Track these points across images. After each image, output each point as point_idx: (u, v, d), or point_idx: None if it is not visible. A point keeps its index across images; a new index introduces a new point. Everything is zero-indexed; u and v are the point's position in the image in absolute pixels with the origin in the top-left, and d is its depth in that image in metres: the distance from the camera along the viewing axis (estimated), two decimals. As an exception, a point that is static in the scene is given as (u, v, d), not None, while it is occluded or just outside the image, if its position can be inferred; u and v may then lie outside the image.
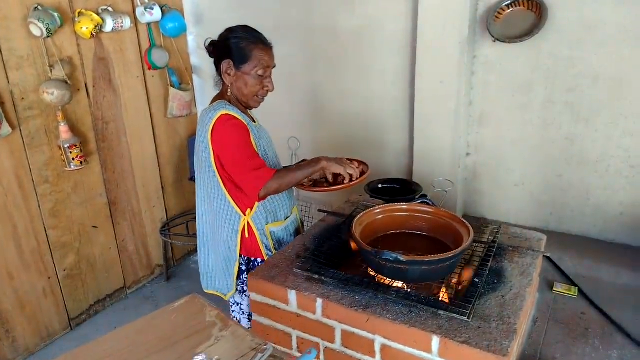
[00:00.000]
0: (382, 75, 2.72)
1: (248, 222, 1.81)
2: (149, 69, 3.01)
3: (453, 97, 2.42)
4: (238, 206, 1.79)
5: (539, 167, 2.45)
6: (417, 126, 2.59)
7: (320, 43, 2.86)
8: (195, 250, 3.50)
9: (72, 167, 2.60)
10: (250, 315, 1.93)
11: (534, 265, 1.68)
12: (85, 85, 2.70)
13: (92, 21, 2.53)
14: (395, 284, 1.58)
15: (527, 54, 2.32)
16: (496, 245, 1.76)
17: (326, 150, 3.01)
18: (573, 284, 2.04)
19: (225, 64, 1.73)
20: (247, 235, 1.83)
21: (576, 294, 1.97)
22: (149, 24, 2.96)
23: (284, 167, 2.00)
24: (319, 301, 1.51)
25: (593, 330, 1.77)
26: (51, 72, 2.47)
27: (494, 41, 2.30)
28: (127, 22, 2.73)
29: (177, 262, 3.49)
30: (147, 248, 3.24)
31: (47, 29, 2.33)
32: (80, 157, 2.61)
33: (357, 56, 2.76)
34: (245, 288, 1.89)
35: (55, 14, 2.39)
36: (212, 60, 1.81)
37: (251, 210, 1.80)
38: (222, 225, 1.82)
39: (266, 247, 1.86)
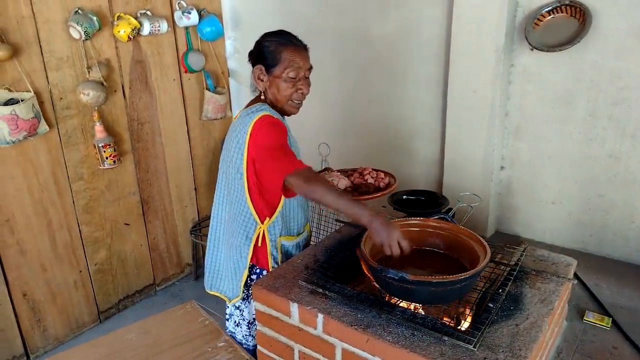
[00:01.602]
0: (414, 83, 2.63)
1: (264, 231, 1.78)
2: (185, 72, 3.07)
3: (487, 107, 2.31)
4: (257, 213, 1.76)
5: (578, 185, 2.29)
6: (449, 136, 2.49)
7: (353, 48, 2.81)
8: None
9: (106, 165, 2.69)
10: (249, 322, 1.91)
11: (557, 292, 1.55)
12: (122, 86, 2.78)
13: (129, 25, 2.61)
14: (402, 304, 1.50)
15: (568, 64, 2.17)
16: (518, 268, 1.64)
17: (355, 157, 2.95)
18: (607, 313, 1.88)
19: (257, 70, 1.70)
20: (259, 245, 1.80)
21: (609, 326, 1.81)
22: (186, 28, 3.02)
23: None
24: (320, 316, 1.46)
25: (624, 367, 1.62)
26: (89, 73, 2.56)
27: (532, 50, 2.17)
28: (164, 26, 2.80)
29: (207, 262, 3.53)
30: (177, 247, 3.31)
31: (85, 32, 2.42)
32: (114, 156, 2.70)
33: (390, 62, 2.69)
34: (249, 294, 1.87)
35: (94, 18, 2.48)
36: (248, 65, 1.77)
37: (269, 218, 1.77)
38: (238, 230, 1.79)
39: (274, 259, 1.83)
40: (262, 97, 1.75)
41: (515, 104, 2.36)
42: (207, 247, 1.94)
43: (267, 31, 1.74)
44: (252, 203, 1.74)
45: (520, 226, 2.52)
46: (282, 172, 1.55)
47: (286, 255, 1.87)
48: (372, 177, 2.16)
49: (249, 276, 1.84)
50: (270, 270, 1.81)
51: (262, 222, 1.77)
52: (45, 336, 2.68)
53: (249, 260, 1.80)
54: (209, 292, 1.96)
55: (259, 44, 1.71)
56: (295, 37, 1.72)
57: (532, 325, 1.39)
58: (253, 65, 1.73)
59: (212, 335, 1.20)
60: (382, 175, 2.15)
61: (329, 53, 2.91)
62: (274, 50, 1.66)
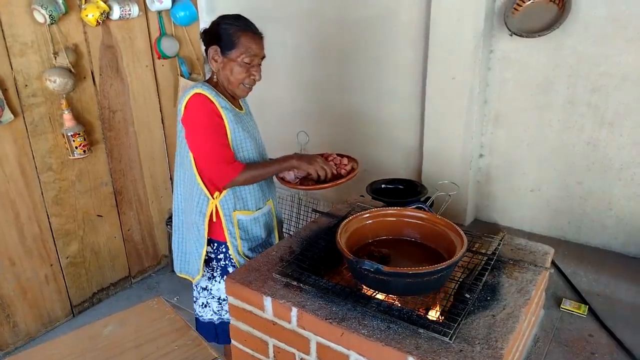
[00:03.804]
0: (393, 69, 2.58)
1: (216, 206, 1.78)
2: (159, 57, 2.97)
3: (465, 94, 2.27)
4: (207, 188, 1.78)
5: (557, 173, 2.28)
6: (428, 124, 2.45)
7: (331, 33, 2.74)
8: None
9: (76, 155, 2.59)
10: (220, 299, 1.91)
11: (534, 282, 1.53)
12: (92, 73, 2.67)
13: (98, 8, 2.50)
14: (378, 296, 1.47)
15: (547, 50, 2.14)
16: (495, 257, 1.62)
17: (334, 145, 2.90)
18: (583, 301, 1.88)
19: (212, 50, 1.72)
20: (214, 219, 1.80)
21: (585, 313, 1.81)
22: (159, 12, 2.91)
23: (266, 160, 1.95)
24: (294, 310, 1.42)
25: (600, 355, 1.62)
26: (55, 59, 2.45)
27: (511, 35, 2.14)
28: (135, 10, 2.69)
29: (184, 253, 3.47)
30: (153, 238, 3.23)
31: (50, 16, 2.31)
32: (84, 146, 2.60)
33: (368, 48, 2.63)
34: (214, 274, 1.89)
35: (60, 1, 2.36)
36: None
37: (220, 193, 1.78)
38: (193, 207, 1.81)
39: (231, 234, 1.82)
40: (215, 78, 1.76)
41: (494, 91, 2.33)
42: (173, 231, 1.95)
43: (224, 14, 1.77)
44: (201, 178, 1.76)
45: (499, 214, 2.51)
46: (219, 183, 1.72)
47: (245, 230, 1.85)
48: (334, 164, 2.08)
49: (209, 252, 1.85)
50: (228, 243, 1.82)
51: (213, 197, 1.78)
52: (15, 332, 2.59)
53: (206, 236, 1.81)
54: (179, 274, 1.97)
55: (217, 25, 1.72)
56: (253, 24, 1.75)
57: (508, 316, 1.38)
58: (206, 45, 1.75)
59: (179, 332, 1.15)
60: (346, 161, 2.05)
61: (306, 37, 2.84)
62: (232, 34, 1.69)
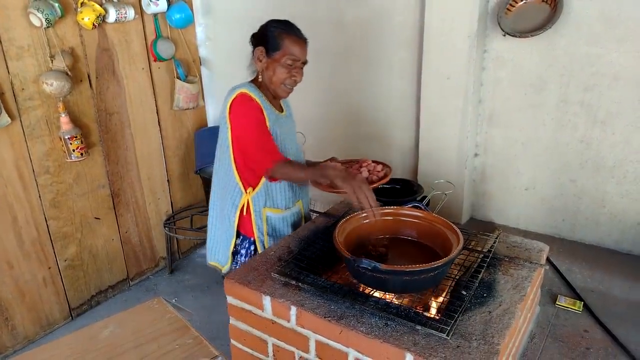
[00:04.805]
0: (389, 70, 2.60)
1: (248, 200, 1.84)
2: (155, 60, 2.98)
3: (460, 94, 2.30)
4: (242, 182, 1.83)
5: (551, 171, 2.30)
6: (423, 124, 2.48)
7: (327, 35, 2.76)
8: (202, 244, 3.49)
9: (73, 158, 2.60)
10: None
11: (529, 278, 1.55)
12: (88, 76, 2.68)
13: (94, 12, 2.51)
14: (376, 293, 1.49)
15: (541, 50, 2.17)
16: (491, 255, 1.64)
17: (331, 146, 2.92)
18: (579, 297, 1.90)
19: (258, 51, 1.80)
20: (245, 213, 1.86)
21: (581, 309, 1.83)
22: (154, 15, 2.93)
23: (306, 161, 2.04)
24: (293, 309, 1.44)
25: (595, 350, 1.64)
26: (52, 62, 2.46)
27: (504, 35, 2.16)
28: (130, 13, 2.70)
29: (182, 255, 3.48)
30: (151, 240, 3.24)
31: (46, 19, 2.32)
32: (81, 149, 2.61)
33: (364, 49, 2.66)
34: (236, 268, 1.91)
35: (56, 4, 2.37)
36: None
37: (253, 189, 1.84)
38: (227, 199, 1.88)
39: (259, 229, 1.88)
40: (259, 78, 1.83)
41: (488, 91, 2.36)
42: (209, 219, 2.01)
43: (272, 18, 1.82)
44: (238, 173, 1.83)
45: (495, 212, 2.53)
46: (262, 171, 1.77)
47: (273, 227, 1.91)
48: (367, 170, 2.09)
49: (236, 245, 1.91)
50: (255, 239, 1.87)
51: (246, 191, 1.84)
52: (13, 335, 2.60)
53: (235, 228, 1.88)
54: (209, 263, 2.02)
55: (265, 27, 1.80)
56: (298, 29, 1.83)
57: (504, 312, 1.39)
58: (254, 47, 1.82)
59: (180, 332, 1.16)
60: (380, 167, 2.05)
61: (302, 40, 2.85)
62: (277, 36, 1.77)
